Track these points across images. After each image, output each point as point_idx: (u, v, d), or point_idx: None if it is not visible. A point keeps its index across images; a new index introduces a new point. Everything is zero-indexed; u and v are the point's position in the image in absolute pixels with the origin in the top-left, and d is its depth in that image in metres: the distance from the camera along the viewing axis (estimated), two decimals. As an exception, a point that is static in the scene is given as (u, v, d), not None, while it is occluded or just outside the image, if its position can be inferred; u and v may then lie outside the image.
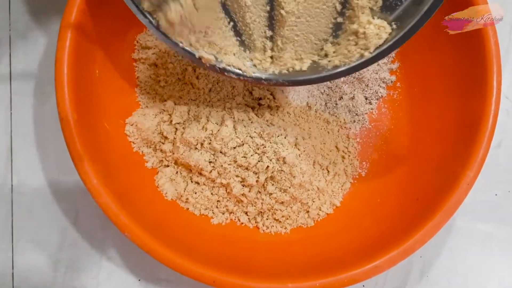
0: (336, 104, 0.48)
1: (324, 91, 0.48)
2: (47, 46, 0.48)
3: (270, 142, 0.42)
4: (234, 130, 0.42)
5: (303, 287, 0.36)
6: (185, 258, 0.36)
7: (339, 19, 0.35)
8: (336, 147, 0.47)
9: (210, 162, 0.42)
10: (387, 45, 0.33)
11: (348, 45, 0.35)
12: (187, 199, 0.44)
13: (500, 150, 0.49)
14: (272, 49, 0.37)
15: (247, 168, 0.42)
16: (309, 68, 0.37)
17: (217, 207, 0.44)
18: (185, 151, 0.43)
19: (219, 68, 0.37)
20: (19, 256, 0.46)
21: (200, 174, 0.43)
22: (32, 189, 0.47)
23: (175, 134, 0.44)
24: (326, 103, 0.48)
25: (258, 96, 0.46)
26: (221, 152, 0.42)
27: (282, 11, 0.34)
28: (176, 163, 0.45)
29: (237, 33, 0.37)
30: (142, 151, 0.45)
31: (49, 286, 0.46)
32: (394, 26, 0.33)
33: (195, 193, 0.44)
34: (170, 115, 0.44)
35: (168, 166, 0.45)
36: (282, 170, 0.42)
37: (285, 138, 0.43)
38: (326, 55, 0.36)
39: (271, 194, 0.43)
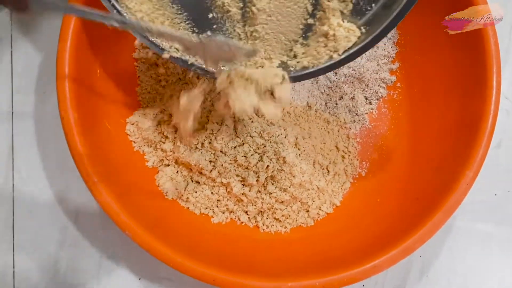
0: (336, 104, 0.48)
1: (324, 91, 0.48)
2: (48, 45, 0.48)
3: (270, 142, 0.42)
4: (234, 129, 0.42)
5: (303, 286, 0.36)
6: (185, 257, 0.36)
7: (310, 20, 0.35)
8: (336, 147, 0.48)
9: (210, 161, 0.43)
10: (356, 48, 0.34)
11: (317, 47, 0.35)
12: (187, 198, 0.44)
13: (500, 150, 0.49)
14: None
15: (247, 168, 0.42)
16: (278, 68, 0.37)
17: (217, 206, 0.45)
18: (186, 150, 0.43)
19: (185, 62, 0.36)
20: (20, 255, 0.46)
21: (201, 173, 0.43)
22: (33, 188, 0.47)
23: (175, 133, 0.44)
24: (326, 103, 0.48)
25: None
26: (221, 151, 0.42)
27: (254, 8, 0.34)
28: (176, 162, 0.45)
29: (203, 26, 0.37)
30: (142, 151, 0.45)
31: (50, 285, 0.46)
32: (364, 30, 0.34)
33: (196, 192, 0.44)
34: (170, 114, 0.44)
35: (168, 165, 0.45)
36: (282, 170, 0.42)
37: (285, 137, 0.43)
38: (295, 56, 0.37)
39: (271, 193, 0.43)
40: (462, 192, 0.38)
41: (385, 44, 0.48)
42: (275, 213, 0.44)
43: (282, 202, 0.44)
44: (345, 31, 0.34)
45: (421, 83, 0.47)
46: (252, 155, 0.42)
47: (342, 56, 0.34)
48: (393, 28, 0.32)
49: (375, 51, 0.48)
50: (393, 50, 0.48)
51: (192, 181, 0.44)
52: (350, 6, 0.34)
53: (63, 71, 0.37)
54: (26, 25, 0.48)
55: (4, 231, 0.46)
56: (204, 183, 0.44)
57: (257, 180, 0.42)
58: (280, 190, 0.43)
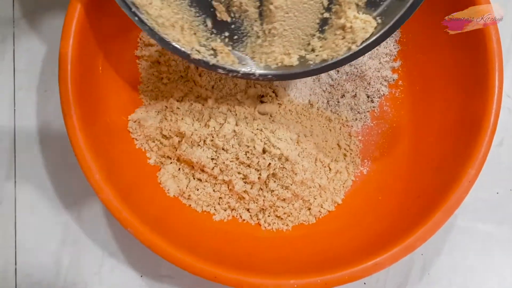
0: (338, 102, 0.48)
1: (326, 89, 0.48)
2: (50, 43, 0.48)
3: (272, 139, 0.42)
4: (236, 127, 0.42)
5: (305, 284, 0.36)
6: (187, 254, 0.36)
7: (326, 14, 0.36)
8: (338, 144, 0.48)
9: (212, 159, 0.43)
10: (373, 39, 0.35)
11: (335, 39, 0.36)
12: (189, 195, 0.44)
13: (502, 149, 0.49)
14: (260, 45, 0.37)
15: (249, 165, 0.42)
16: (297, 63, 0.37)
17: (219, 203, 0.45)
18: (188, 148, 0.43)
19: (207, 63, 0.37)
20: (22, 252, 0.46)
21: (203, 171, 0.43)
22: (35, 185, 0.47)
23: (177, 131, 0.44)
24: (328, 101, 0.48)
25: (260, 94, 0.46)
26: (223, 149, 0.42)
27: (271, 6, 0.34)
28: (178, 159, 0.45)
29: (221, 27, 0.37)
30: (144, 148, 0.45)
31: (52, 281, 0.46)
32: (379, 21, 0.35)
33: (197, 189, 0.44)
34: (172, 112, 0.44)
35: (170, 162, 0.45)
36: (284, 167, 0.42)
37: (287, 135, 0.43)
38: (313, 50, 0.37)
39: (273, 191, 0.43)
40: (464, 190, 0.38)
41: (387, 42, 0.48)
42: (276, 210, 0.44)
43: (283, 199, 0.44)
44: (361, 23, 0.34)
45: (423, 81, 0.47)
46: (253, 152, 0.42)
47: (360, 47, 0.35)
48: (409, 17, 0.33)
49: (377, 49, 0.48)
50: (395, 48, 0.48)
51: (194, 178, 0.44)
52: None
53: (66, 68, 0.37)
54: (28, 23, 0.48)
55: (6, 228, 0.47)
56: (206, 181, 0.44)
57: (258, 178, 0.42)
58: (282, 188, 0.43)
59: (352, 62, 0.46)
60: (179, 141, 0.44)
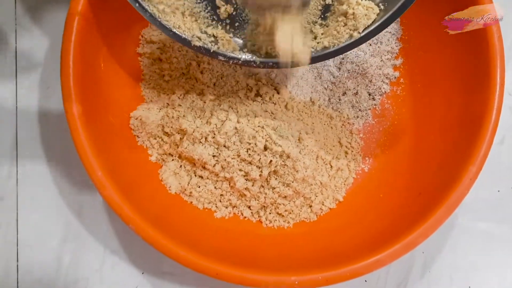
0: (340, 99, 0.48)
1: (327, 86, 0.48)
2: (52, 40, 0.48)
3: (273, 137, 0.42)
4: (237, 124, 0.42)
5: (306, 280, 0.36)
6: (188, 251, 0.37)
7: (328, 1, 0.36)
8: (339, 142, 0.48)
9: (213, 156, 0.43)
10: (375, 25, 0.35)
11: (337, 26, 0.36)
12: (190, 192, 0.44)
13: (503, 147, 0.49)
14: (262, 32, 0.37)
15: (250, 162, 0.42)
16: None
17: (220, 201, 0.45)
18: (189, 145, 0.43)
19: (208, 50, 0.37)
20: (24, 249, 0.46)
21: (204, 168, 0.44)
22: (37, 182, 0.47)
23: (179, 128, 0.44)
24: (329, 99, 0.48)
25: (261, 92, 0.46)
26: (224, 146, 0.42)
27: None
28: (180, 157, 0.45)
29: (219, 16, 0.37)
30: (146, 145, 0.45)
31: (53, 278, 0.46)
32: (382, 7, 0.34)
33: (199, 186, 0.44)
34: (174, 109, 0.44)
35: (172, 160, 0.45)
36: (285, 165, 0.42)
37: (288, 132, 0.43)
38: (315, 37, 0.37)
39: (274, 188, 0.43)
40: (465, 187, 0.38)
41: (388, 39, 0.48)
42: (278, 208, 0.44)
43: (285, 197, 0.44)
44: (364, 9, 0.34)
45: (424, 79, 0.47)
46: (255, 149, 0.42)
47: (362, 34, 0.35)
48: (412, 3, 0.33)
49: (378, 47, 0.48)
50: (396, 46, 0.48)
51: (195, 175, 0.44)
52: None
53: (68, 65, 0.37)
54: (30, 20, 0.48)
55: (8, 224, 0.47)
56: (207, 178, 0.44)
57: (260, 175, 0.42)
58: (283, 185, 0.43)
59: (353, 60, 0.46)
60: (180, 138, 0.44)
